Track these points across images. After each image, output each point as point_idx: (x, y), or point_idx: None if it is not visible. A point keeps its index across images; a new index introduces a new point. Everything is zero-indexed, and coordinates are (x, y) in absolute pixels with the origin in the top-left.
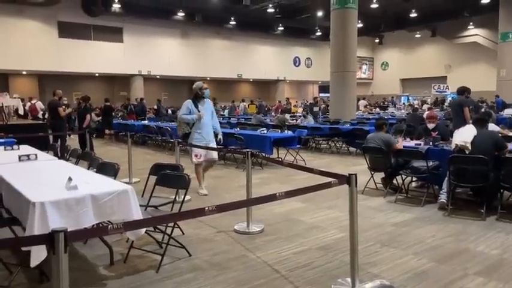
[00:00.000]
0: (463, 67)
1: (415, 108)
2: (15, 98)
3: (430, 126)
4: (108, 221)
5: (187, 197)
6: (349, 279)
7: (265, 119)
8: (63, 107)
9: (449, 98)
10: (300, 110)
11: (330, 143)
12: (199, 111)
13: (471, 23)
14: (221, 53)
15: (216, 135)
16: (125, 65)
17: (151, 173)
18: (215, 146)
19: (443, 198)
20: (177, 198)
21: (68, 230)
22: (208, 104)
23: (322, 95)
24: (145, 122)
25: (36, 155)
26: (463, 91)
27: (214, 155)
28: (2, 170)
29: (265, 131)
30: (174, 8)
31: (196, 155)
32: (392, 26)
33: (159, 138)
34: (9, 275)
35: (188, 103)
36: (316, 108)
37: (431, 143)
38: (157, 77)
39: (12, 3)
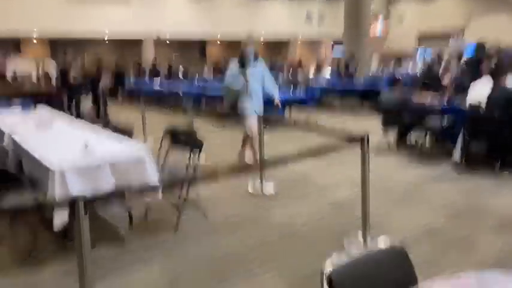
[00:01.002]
0: (484, 18)
1: (431, 64)
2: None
3: (445, 81)
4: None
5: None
6: (360, 235)
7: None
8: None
9: (465, 55)
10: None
11: (343, 101)
12: (246, 77)
13: None
14: (232, 11)
15: (271, 101)
16: (133, 28)
17: (164, 135)
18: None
19: (457, 155)
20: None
21: (87, 195)
22: (259, 65)
23: (335, 55)
24: (158, 85)
25: (52, 119)
26: (481, 46)
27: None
28: (20, 138)
29: None
30: None
31: (251, 125)
32: None
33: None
34: (34, 239)
35: (234, 65)
36: (352, 68)
37: (446, 100)
38: (167, 41)
39: None
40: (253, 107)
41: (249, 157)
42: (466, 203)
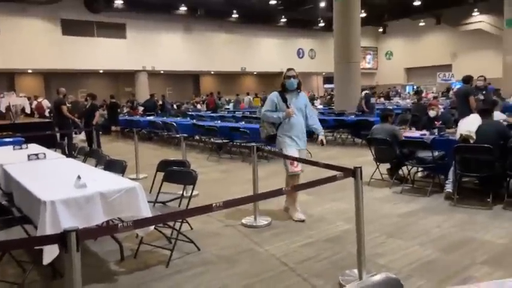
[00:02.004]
0: (468, 54)
1: (420, 98)
2: (21, 96)
3: (431, 113)
4: (118, 218)
5: (195, 192)
6: (356, 271)
7: None
8: (68, 105)
9: (455, 87)
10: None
11: (335, 134)
12: (288, 107)
13: (476, 10)
14: (224, 46)
15: (311, 135)
16: (128, 61)
17: (158, 169)
18: (304, 154)
19: (449, 188)
20: (184, 193)
21: (79, 228)
22: (301, 97)
23: (326, 86)
24: (151, 118)
25: (44, 154)
26: (468, 80)
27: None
28: (12, 170)
29: None
30: (176, 2)
31: (292, 163)
32: (396, 14)
33: (165, 134)
34: (23, 273)
35: (274, 96)
36: (373, 100)
37: (436, 133)
38: (162, 72)
39: (16, 2)
40: (294, 141)
41: (293, 207)
42: (460, 236)
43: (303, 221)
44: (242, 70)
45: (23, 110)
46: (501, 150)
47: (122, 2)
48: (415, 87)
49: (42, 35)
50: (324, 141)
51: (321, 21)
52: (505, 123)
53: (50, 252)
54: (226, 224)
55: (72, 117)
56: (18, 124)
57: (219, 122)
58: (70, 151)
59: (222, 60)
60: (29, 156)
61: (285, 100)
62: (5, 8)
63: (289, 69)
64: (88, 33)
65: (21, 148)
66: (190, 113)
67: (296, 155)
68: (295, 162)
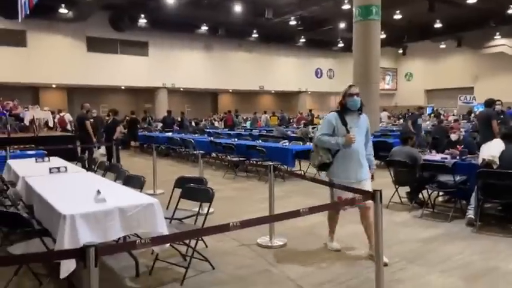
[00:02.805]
0: (490, 77)
1: (441, 120)
2: (45, 110)
3: (453, 137)
4: (135, 234)
5: (210, 210)
6: None
7: (287, 131)
8: (91, 120)
9: (476, 110)
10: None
11: None
12: (348, 131)
13: (497, 33)
14: (243, 65)
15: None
16: (149, 78)
17: (175, 186)
18: (369, 185)
19: (471, 213)
20: (200, 210)
21: (97, 242)
22: (363, 120)
23: None
24: (169, 134)
25: (66, 167)
26: (491, 103)
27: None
28: (33, 182)
29: (287, 144)
30: (198, 22)
31: (340, 197)
32: (416, 36)
33: (183, 150)
34: (39, 285)
35: (332, 117)
36: (420, 121)
37: (458, 157)
38: (181, 89)
39: (44, 20)
40: (351, 172)
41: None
42: (483, 264)
43: (338, 250)
44: (260, 89)
45: (46, 123)
46: None
47: (146, 21)
48: (434, 109)
49: (68, 51)
50: (373, 175)
51: (340, 41)
52: None
53: (67, 266)
54: (241, 243)
55: (91, 134)
56: (40, 137)
57: (236, 139)
58: (90, 165)
59: (241, 78)
60: (50, 169)
61: (344, 123)
62: (34, 24)
63: (351, 86)
64: (112, 50)
65: (43, 161)
66: (207, 130)
67: (350, 186)
68: (343, 197)
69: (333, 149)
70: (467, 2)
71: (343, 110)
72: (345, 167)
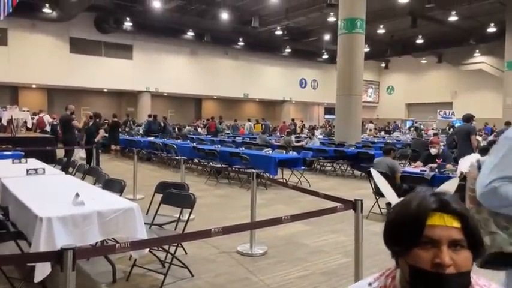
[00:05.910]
0: (469, 93)
1: (420, 134)
2: (24, 111)
3: (433, 151)
4: (113, 238)
5: (192, 216)
6: None
7: (270, 139)
8: (75, 121)
9: (456, 124)
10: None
11: (334, 165)
12: None
13: (477, 51)
14: (228, 72)
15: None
16: (133, 82)
17: (156, 191)
18: None
19: None
20: (181, 216)
21: (75, 245)
22: None
23: (327, 116)
24: (152, 138)
25: (43, 169)
26: (469, 118)
27: None
28: (9, 183)
29: (270, 152)
30: (184, 27)
31: None
32: (398, 51)
33: (165, 155)
34: None
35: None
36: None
37: (436, 170)
38: (165, 94)
39: (26, 19)
40: None
41: None
42: None
43: None
44: (244, 96)
45: (25, 124)
46: None
47: (131, 24)
48: (415, 123)
49: (50, 52)
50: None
51: (325, 53)
52: None
53: (42, 270)
54: (221, 251)
55: (74, 135)
56: (18, 138)
57: (219, 146)
58: (68, 168)
59: (226, 85)
60: (27, 170)
61: None
62: (16, 22)
63: None
64: (95, 52)
65: (20, 162)
66: (191, 136)
67: None
68: None
69: None
70: (449, 19)
71: None
72: None
